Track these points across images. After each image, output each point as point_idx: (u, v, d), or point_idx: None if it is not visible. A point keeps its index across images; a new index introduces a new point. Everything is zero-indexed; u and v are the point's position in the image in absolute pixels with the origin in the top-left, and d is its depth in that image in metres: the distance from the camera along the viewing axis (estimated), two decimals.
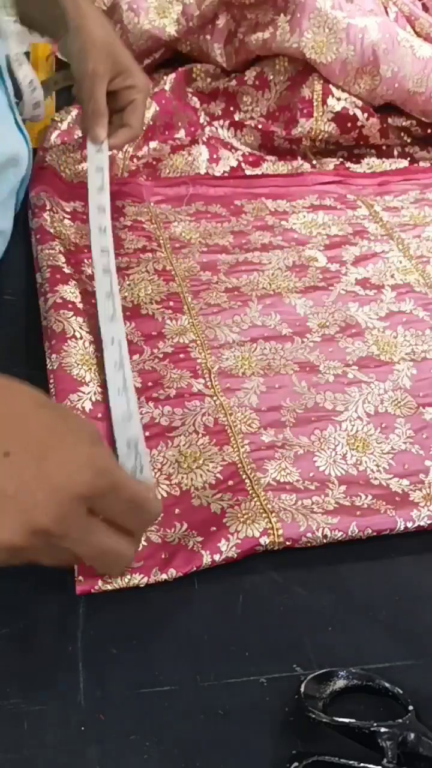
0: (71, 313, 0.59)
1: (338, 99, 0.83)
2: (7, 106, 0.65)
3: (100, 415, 0.52)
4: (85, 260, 0.67)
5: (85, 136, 0.71)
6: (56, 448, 0.36)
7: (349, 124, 0.85)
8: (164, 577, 0.44)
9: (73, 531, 0.36)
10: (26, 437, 0.36)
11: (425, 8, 0.94)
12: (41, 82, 0.73)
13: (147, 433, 0.52)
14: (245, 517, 0.47)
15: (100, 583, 0.43)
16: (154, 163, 0.83)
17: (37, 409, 0.38)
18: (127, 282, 0.66)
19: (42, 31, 0.73)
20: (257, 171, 0.85)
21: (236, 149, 0.87)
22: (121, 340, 0.56)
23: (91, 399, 0.53)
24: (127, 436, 0.49)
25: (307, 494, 0.49)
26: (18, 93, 0.69)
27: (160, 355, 0.59)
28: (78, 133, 0.80)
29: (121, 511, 0.38)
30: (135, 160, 0.82)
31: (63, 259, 0.65)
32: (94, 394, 0.54)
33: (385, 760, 0.36)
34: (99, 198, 0.66)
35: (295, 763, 0.36)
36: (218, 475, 0.50)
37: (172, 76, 0.87)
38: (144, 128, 0.72)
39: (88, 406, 0.53)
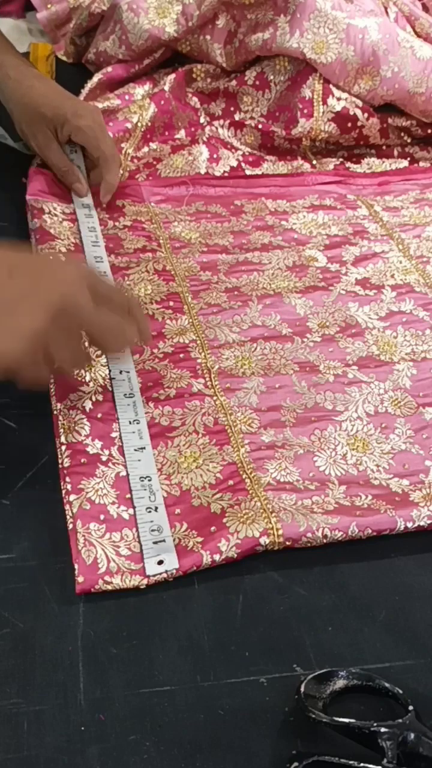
0: None
1: (338, 99, 0.83)
2: None
3: (100, 416, 0.52)
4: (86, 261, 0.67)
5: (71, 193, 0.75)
6: (52, 262, 0.51)
7: (349, 124, 0.85)
8: (164, 576, 0.44)
9: (84, 309, 0.46)
10: (23, 260, 0.48)
11: (425, 8, 0.94)
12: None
13: None
14: (245, 517, 0.47)
15: (100, 582, 0.43)
16: (154, 163, 0.82)
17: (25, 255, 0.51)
18: (127, 282, 0.66)
19: None
20: (257, 171, 0.85)
21: (236, 149, 0.87)
22: (131, 372, 0.56)
23: (91, 399, 0.53)
24: (140, 473, 0.49)
25: (307, 494, 0.49)
26: None
27: (160, 355, 0.59)
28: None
29: (110, 297, 0.50)
30: (135, 160, 0.82)
31: (63, 259, 0.65)
32: (95, 393, 0.54)
33: (385, 760, 0.36)
34: (95, 251, 0.68)
35: (295, 763, 0.36)
36: (218, 475, 0.50)
37: (172, 76, 0.87)
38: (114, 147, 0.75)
39: (88, 405, 0.53)
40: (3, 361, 0.44)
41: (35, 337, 0.44)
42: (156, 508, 0.47)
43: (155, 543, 0.45)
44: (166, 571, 0.44)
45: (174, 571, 0.44)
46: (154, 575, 0.44)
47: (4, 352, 0.43)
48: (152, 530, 0.46)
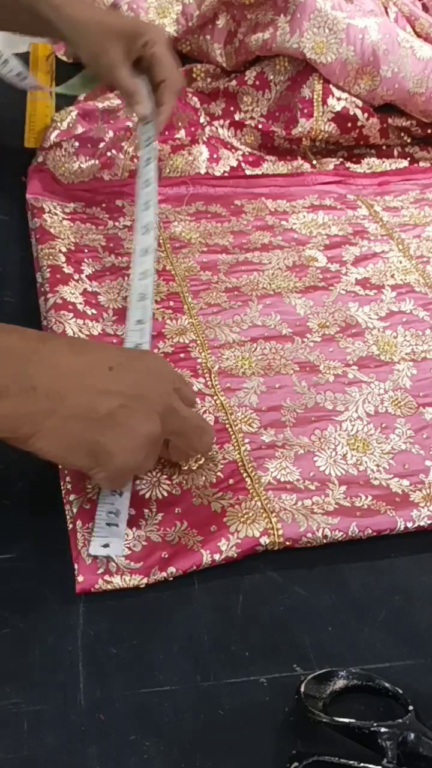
0: (71, 314, 0.59)
1: (338, 99, 0.83)
2: None
3: None
4: (85, 260, 0.67)
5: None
6: (146, 359, 0.47)
7: (349, 124, 0.85)
8: (163, 575, 0.44)
9: (181, 412, 0.44)
10: (119, 353, 0.47)
11: (425, 8, 0.94)
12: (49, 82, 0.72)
13: None
14: (245, 516, 0.47)
15: (100, 582, 0.43)
16: None
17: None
18: (127, 282, 0.66)
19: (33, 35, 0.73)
20: (257, 171, 0.85)
21: (236, 149, 0.87)
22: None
23: None
24: None
25: (308, 494, 0.49)
26: None
27: (161, 355, 0.59)
28: (76, 131, 0.80)
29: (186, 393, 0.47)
30: (135, 160, 0.81)
31: (63, 259, 0.65)
32: None
33: (385, 760, 0.36)
34: (144, 216, 0.65)
35: (295, 763, 0.36)
36: (219, 474, 0.50)
37: None
38: (181, 73, 0.71)
39: None
40: (124, 470, 0.42)
41: (150, 444, 0.42)
42: (121, 494, 0.47)
43: (108, 525, 0.45)
44: (108, 557, 0.44)
45: (174, 570, 0.44)
46: (95, 556, 0.44)
47: (127, 463, 0.42)
48: (110, 512, 0.46)
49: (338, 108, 0.83)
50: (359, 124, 0.85)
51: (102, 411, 0.41)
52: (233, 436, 0.52)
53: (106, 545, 0.44)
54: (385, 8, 0.88)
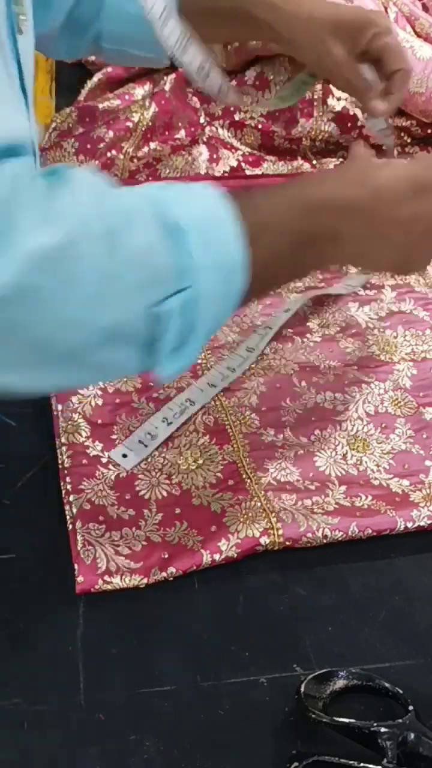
0: None
1: (338, 99, 0.83)
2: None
3: (100, 422, 0.52)
4: None
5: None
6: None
7: (349, 124, 0.85)
8: (163, 575, 0.44)
9: None
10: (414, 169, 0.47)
11: (425, 8, 0.94)
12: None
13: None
14: (245, 516, 0.47)
15: (99, 582, 0.43)
16: (154, 163, 0.82)
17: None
18: None
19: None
20: (257, 171, 0.85)
21: (236, 149, 0.87)
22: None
23: (90, 404, 0.53)
24: (189, 396, 0.54)
25: (308, 494, 0.49)
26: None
27: None
28: (76, 131, 0.80)
29: None
30: (135, 160, 0.81)
31: None
32: (94, 397, 0.54)
33: (385, 760, 0.36)
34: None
35: (295, 763, 0.36)
36: (219, 475, 0.50)
37: (172, 76, 0.86)
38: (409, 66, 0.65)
39: (88, 410, 0.53)
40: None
41: None
42: (169, 423, 0.52)
43: (139, 442, 0.51)
44: (123, 469, 0.49)
45: (174, 570, 0.44)
46: (112, 461, 0.49)
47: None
48: (148, 433, 0.51)
49: (338, 108, 0.83)
50: (359, 124, 0.85)
51: (414, 236, 0.45)
52: (233, 438, 0.52)
53: (124, 455, 0.49)
54: (385, 8, 0.88)
